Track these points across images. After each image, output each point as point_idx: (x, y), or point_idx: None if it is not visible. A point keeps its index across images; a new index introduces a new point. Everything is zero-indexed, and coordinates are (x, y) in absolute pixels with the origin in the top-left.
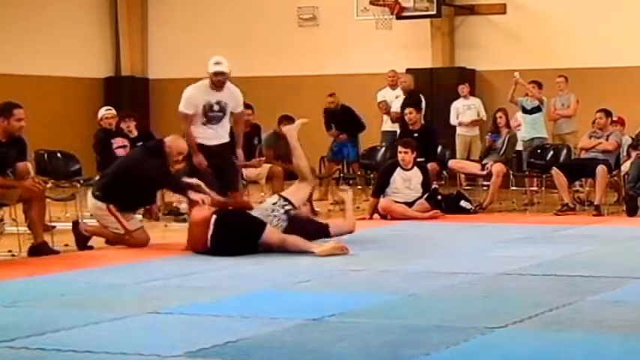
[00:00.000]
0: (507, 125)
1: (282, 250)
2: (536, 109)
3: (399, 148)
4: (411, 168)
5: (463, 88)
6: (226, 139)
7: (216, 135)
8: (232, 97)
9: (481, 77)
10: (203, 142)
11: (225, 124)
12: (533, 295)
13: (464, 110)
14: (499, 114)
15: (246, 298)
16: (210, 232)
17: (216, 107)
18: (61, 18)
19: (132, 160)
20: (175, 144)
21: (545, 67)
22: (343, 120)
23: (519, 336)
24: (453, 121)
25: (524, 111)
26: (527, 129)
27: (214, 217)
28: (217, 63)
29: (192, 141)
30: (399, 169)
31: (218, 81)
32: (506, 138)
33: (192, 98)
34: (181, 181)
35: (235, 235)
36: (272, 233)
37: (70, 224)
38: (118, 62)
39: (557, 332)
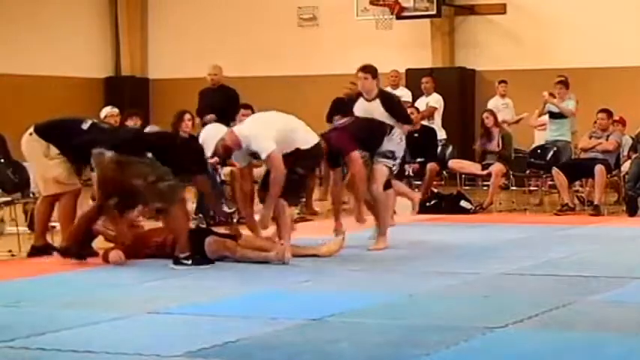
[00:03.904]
0: (496, 125)
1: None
2: (562, 115)
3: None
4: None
5: (505, 87)
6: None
7: None
8: None
9: (481, 77)
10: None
11: None
12: (533, 295)
13: (502, 108)
14: (485, 114)
15: (246, 298)
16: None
17: None
18: (61, 18)
19: None
20: None
21: (545, 67)
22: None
23: (519, 336)
24: None
25: (552, 115)
26: (552, 132)
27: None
28: None
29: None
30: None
31: None
32: (499, 137)
33: None
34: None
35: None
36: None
37: None
38: (118, 62)
39: (557, 332)
